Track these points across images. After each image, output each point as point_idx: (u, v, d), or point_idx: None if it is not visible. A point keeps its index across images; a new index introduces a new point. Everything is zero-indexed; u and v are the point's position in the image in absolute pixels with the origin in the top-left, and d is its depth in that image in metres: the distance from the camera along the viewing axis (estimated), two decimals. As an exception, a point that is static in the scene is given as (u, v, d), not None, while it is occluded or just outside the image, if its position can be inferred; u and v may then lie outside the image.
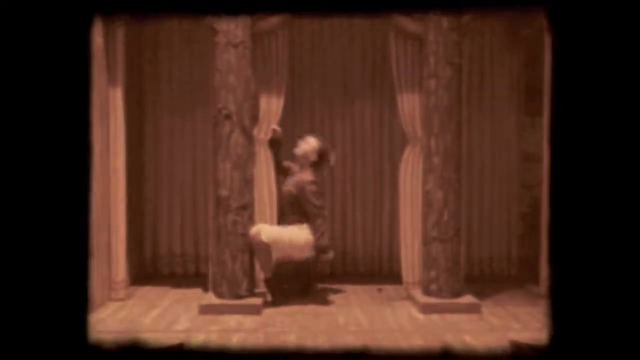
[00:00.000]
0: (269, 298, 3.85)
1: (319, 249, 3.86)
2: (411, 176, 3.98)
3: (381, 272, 4.76)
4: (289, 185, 3.99)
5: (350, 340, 3.10)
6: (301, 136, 4.09)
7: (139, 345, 1.06)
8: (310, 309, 3.73)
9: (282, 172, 4.13)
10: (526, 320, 3.49)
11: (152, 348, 1.08)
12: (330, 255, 3.93)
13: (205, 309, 3.60)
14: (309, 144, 3.98)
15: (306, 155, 3.98)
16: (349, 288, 4.27)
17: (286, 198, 3.97)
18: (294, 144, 4.63)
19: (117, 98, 3.83)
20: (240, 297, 3.71)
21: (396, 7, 1.21)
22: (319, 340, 3.10)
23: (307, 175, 3.94)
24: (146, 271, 4.66)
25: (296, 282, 4.04)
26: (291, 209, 3.94)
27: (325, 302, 3.92)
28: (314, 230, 3.85)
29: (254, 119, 3.88)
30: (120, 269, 3.89)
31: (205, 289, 3.96)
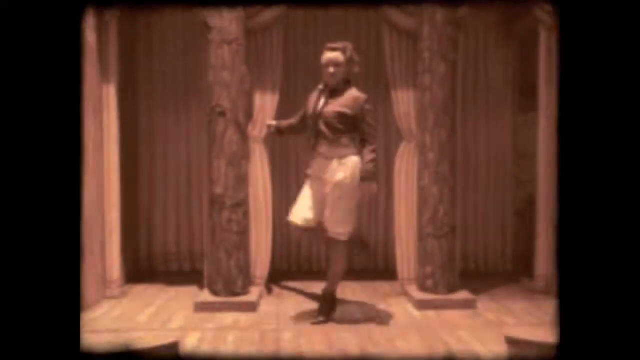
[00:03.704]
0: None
1: (367, 175, 3.24)
2: (406, 172, 3.97)
3: (377, 268, 4.76)
4: (336, 106, 3.27)
5: (346, 337, 3.10)
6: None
7: (131, 350, 1.05)
8: (306, 306, 3.73)
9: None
10: (521, 316, 3.51)
11: (144, 353, 1.07)
12: (375, 186, 3.32)
13: (201, 307, 3.59)
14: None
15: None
16: (344, 284, 4.26)
17: (334, 120, 3.26)
18: (288, 142, 4.64)
19: (110, 95, 3.81)
20: (235, 294, 3.70)
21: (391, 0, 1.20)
22: (315, 338, 3.10)
23: (360, 93, 3.33)
24: (141, 269, 4.64)
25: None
26: (336, 133, 3.27)
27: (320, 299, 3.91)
28: (366, 154, 3.25)
29: (249, 116, 3.86)
30: (115, 267, 3.88)
31: (201, 287, 3.95)
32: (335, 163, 3.26)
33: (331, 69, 3.25)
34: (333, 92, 3.32)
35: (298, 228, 3.35)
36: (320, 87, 3.40)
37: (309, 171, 3.41)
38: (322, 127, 3.28)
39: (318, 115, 3.29)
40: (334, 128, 3.26)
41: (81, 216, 1.08)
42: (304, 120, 3.46)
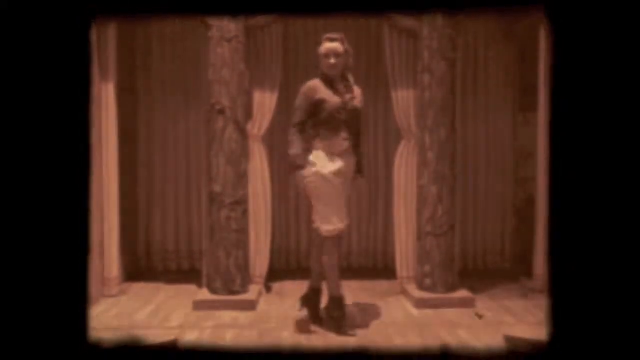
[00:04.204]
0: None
1: (362, 169, 3.38)
2: (406, 171, 3.97)
3: (376, 267, 4.76)
4: (356, 100, 3.20)
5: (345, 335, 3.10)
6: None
7: (138, 344, 1.05)
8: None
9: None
10: (520, 314, 3.51)
11: (152, 348, 1.07)
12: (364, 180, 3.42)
13: (200, 305, 3.59)
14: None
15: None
16: (343, 283, 4.26)
17: (351, 116, 3.18)
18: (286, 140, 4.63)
19: (109, 93, 3.80)
20: (234, 292, 3.70)
21: (392, 8, 1.20)
22: (314, 337, 3.10)
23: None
24: (140, 267, 4.64)
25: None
26: (348, 132, 3.18)
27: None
28: (360, 149, 3.34)
29: (248, 114, 3.86)
30: (114, 265, 3.87)
31: (199, 285, 3.95)
32: (351, 158, 3.22)
33: (332, 60, 3.12)
34: (346, 86, 3.19)
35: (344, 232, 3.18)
36: (319, 79, 3.19)
37: (334, 168, 3.11)
38: (347, 122, 3.16)
39: (348, 110, 3.15)
40: (354, 123, 3.21)
41: (89, 218, 1.09)
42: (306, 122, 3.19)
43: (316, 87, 3.15)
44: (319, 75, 3.23)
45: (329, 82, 3.17)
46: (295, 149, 3.10)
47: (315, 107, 3.11)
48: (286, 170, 3.06)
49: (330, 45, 3.14)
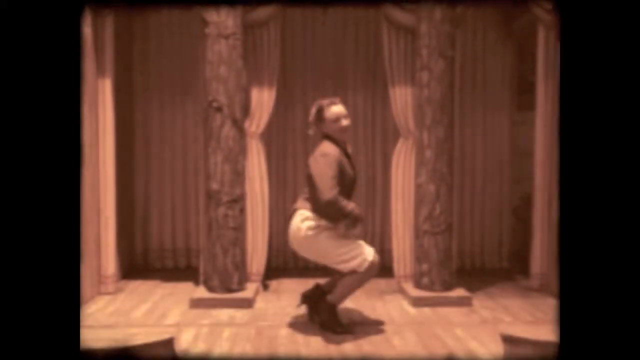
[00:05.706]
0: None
1: None
2: (403, 169, 3.97)
3: (373, 265, 4.75)
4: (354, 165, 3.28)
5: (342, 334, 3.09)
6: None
7: (128, 346, 1.04)
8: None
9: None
10: (517, 313, 3.51)
11: (139, 350, 1.06)
12: None
13: (196, 303, 3.58)
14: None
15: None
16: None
17: (355, 180, 3.26)
18: (286, 139, 4.63)
19: (106, 89, 3.78)
20: (231, 290, 3.69)
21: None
22: (311, 335, 3.09)
23: None
24: (137, 265, 4.62)
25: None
26: (352, 194, 3.23)
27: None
28: None
29: (246, 111, 3.84)
30: (110, 262, 3.86)
31: (196, 283, 3.94)
32: None
33: (344, 122, 3.06)
34: (349, 151, 3.20)
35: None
36: (331, 143, 3.07)
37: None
38: (354, 187, 3.23)
39: (357, 179, 3.26)
40: (355, 186, 3.26)
41: (79, 212, 1.07)
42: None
43: (340, 155, 3.04)
44: (320, 137, 3.12)
45: (342, 148, 3.09)
46: (352, 204, 3.01)
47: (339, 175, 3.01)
48: (351, 226, 3.06)
49: (337, 109, 3.07)
